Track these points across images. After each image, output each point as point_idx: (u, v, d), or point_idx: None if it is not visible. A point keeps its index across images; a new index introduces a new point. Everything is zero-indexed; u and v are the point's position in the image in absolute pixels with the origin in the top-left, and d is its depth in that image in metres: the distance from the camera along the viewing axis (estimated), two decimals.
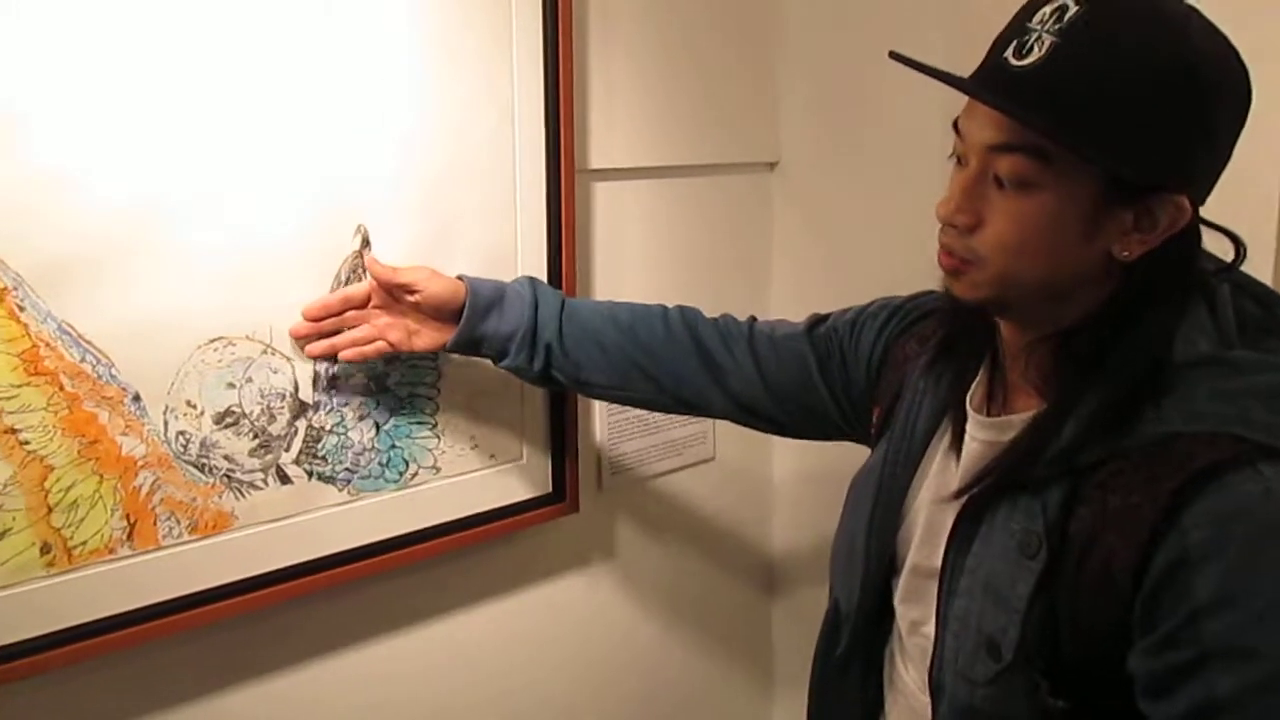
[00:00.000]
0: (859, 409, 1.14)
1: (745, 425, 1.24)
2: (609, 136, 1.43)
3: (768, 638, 1.83)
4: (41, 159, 0.95)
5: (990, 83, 0.80)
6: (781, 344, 1.18)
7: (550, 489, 1.39)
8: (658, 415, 1.56)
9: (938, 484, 0.95)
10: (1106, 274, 0.82)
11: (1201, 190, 0.81)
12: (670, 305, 1.24)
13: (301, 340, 1.14)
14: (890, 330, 1.10)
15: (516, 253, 1.30)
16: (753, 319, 1.23)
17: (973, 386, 0.94)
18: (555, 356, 1.18)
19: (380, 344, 1.16)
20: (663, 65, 1.49)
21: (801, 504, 1.76)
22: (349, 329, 1.16)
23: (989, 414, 0.91)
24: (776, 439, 1.75)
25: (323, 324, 1.14)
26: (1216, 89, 0.77)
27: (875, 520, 0.99)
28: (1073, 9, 0.76)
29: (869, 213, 1.57)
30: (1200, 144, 0.79)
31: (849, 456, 1.65)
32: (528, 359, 1.18)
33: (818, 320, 1.19)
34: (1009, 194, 0.80)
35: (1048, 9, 0.77)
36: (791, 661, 1.81)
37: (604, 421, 1.50)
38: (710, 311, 1.24)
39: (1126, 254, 0.80)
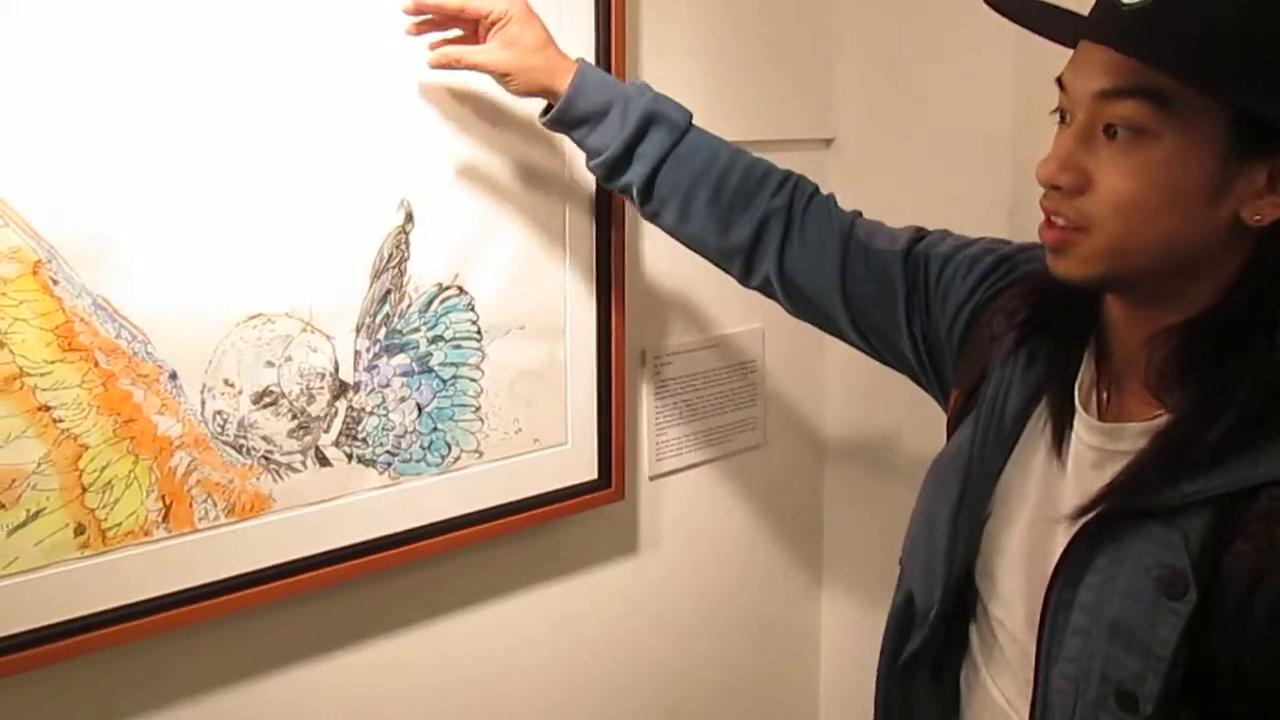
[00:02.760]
0: (936, 359, 1.03)
1: (794, 314, 1.15)
2: None
3: (815, 632, 1.77)
4: (78, 129, 0.92)
5: (1100, 25, 0.73)
6: (873, 258, 1.06)
7: (596, 475, 1.35)
8: (706, 401, 1.52)
9: (1044, 487, 0.86)
10: (1234, 246, 0.74)
11: None
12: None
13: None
14: (986, 288, 0.98)
15: (565, 230, 1.26)
16: (856, 214, 1.13)
17: (1080, 376, 0.85)
18: (635, 187, 1.12)
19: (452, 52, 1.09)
20: (715, 36, 1.44)
21: (854, 494, 1.70)
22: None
23: (1097, 415, 0.82)
24: (829, 430, 1.70)
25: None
26: None
27: (962, 509, 0.90)
28: None
29: (931, 193, 1.50)
30: None
31: (908, 446, 1.60)
32: (604, 178, 1.14)
33: (918, 237, 1.06)
34: (1122, 146, 0.72)
35: None
36: (839, 658, 1.76)
37: (651, 406, 1.45)
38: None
39: (1259, 218, 0.72)
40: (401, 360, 1.15)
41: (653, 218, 1.15)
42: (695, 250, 1.17)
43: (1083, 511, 0.78)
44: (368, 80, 1.08)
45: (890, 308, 1.05)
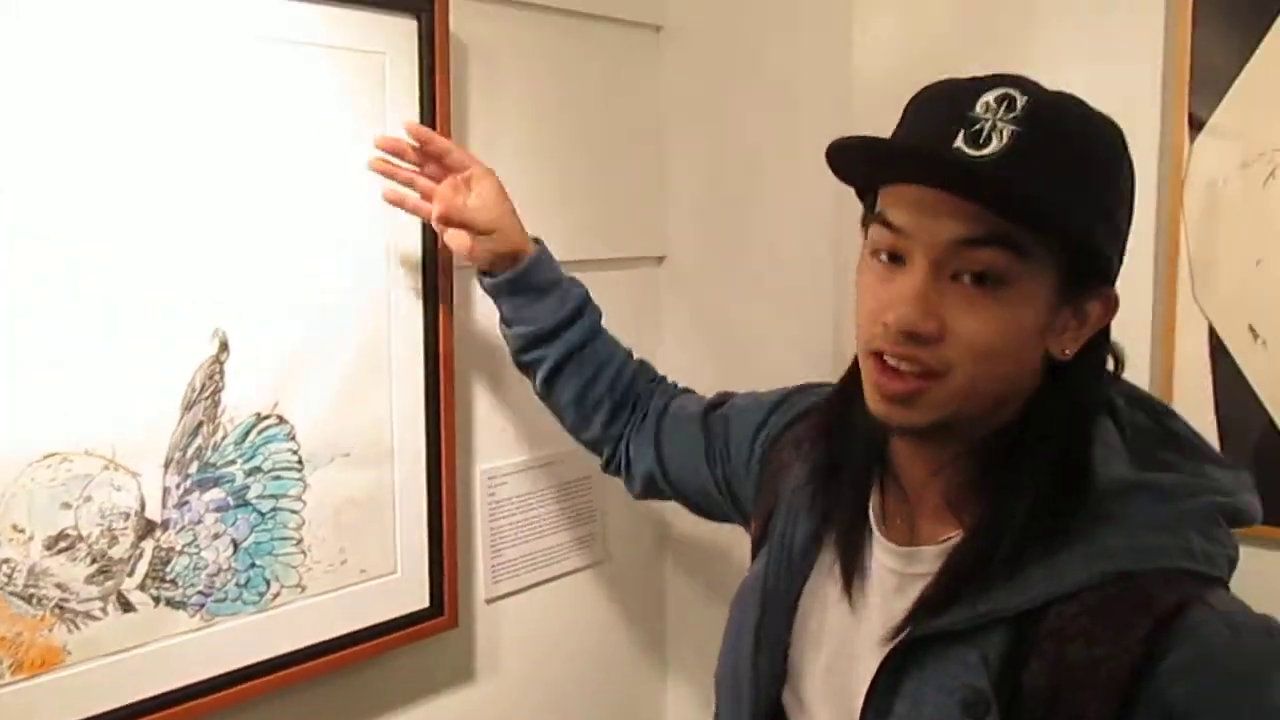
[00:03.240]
0: (738, 497, 1.10)
1: (637, 495, 1.26)
2: None
3: None
4: None
5: (951, 174, 0.74)
6: (684, 423, 1.17)
7: (428, 603, 1.30)
8: (544, 520, 1.50)
9: (843, 614, 0.86)
10: (1036, 378, 0.78)
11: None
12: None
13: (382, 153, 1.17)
14: (773, 423, 1.06)
15: (390, 354, 1.23)
16: (684, 390, 1.25)
17: (872, 501, 0.87)
18: (541, 370, 1.21)
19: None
20: (548, 161, 1.46)
21: (697, 605, 1.69)
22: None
23: (891, 538, 0.84)
24: (671, 541, 1.70)
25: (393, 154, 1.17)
26: (1131, 174, 0.78)
27: (763, 637, 0.91)
28: (1020, 98, 0.73)
29: (758, 307, 1.55)
30: (1128, 229, 0.79)
31: (747, 551, 1.60)
32: (520, 349, 1.22)
33: (719, 402, 1.17)
34: (976, 294, 0.73)
35: (990, 98, 0.74)
36: None
37: (486, 528, 1.42)
38: None
39: (1067, 352, 0.77)
40: (215, 495, 1.09)
41: (547, 395, 1.23)
42: (572, 430, 1.26)
43: (890, 636, 0.79)
44: (178, 206, 1.04)
45: (697, 462, 1.14)
